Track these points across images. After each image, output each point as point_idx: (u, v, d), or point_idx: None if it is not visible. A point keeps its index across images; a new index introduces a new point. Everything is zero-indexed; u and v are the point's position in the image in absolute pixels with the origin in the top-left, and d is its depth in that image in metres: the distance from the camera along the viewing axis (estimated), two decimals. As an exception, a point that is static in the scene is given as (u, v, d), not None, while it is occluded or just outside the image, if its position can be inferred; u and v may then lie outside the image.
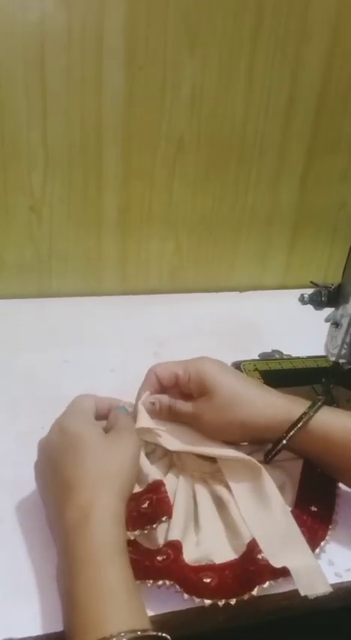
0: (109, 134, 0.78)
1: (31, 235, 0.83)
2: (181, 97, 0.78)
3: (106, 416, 0.52)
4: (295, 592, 0.44)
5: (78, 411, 0.49)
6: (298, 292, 0.65)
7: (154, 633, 0.36)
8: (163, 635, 0.36)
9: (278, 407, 0.50)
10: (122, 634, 0.34)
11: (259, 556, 0.43)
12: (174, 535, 0.45)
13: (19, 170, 0.78)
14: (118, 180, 0.82)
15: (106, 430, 0.49)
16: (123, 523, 0.42)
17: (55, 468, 0.45)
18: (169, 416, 0.53)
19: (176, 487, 0.49)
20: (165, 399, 0.53)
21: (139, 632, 0.35)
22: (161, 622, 0.41)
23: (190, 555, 0.44)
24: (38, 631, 0.41)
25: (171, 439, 0.52)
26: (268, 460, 0.52)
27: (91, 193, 0.82)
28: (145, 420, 0.51)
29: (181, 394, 0.54)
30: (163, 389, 0.54)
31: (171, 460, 0.53)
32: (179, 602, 0.42)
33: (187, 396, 0.54)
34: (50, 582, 0.42)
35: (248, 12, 0.75)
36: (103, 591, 0.37)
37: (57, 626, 0.40)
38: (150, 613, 0.42)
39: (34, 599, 0.43)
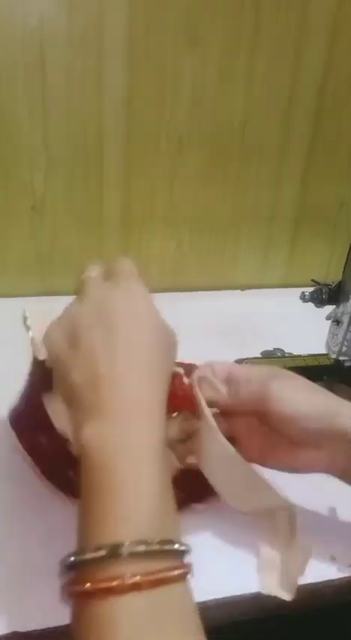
0: (110, 134, 0.78)
1: (33, 235, 0.83)
2: (181, 96, 0.79)
3: None
4: (300, 586, 0.44)
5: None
6: (299, 290, 0.65)
7: (181, 547, 0.31)
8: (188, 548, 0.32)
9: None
10: (144, 543, 0.30)
11: None
12: None
13: (20, 170, 0.78)
14: (119, 180, 0.82)
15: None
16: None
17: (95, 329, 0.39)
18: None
19: None
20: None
21: (165, 545, 0.31)
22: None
23: None
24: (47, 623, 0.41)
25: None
26: None
27: (93, 193, 0.82)
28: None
29: None
30: None
31: None
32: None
33: None
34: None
35: (248, 11, 0.75)
36: (129, 488, 0.33)
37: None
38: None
39: (40, 591, 0.44)
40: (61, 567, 0.32)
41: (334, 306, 0.63)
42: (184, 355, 0.71)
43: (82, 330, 0.39)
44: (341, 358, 0.63)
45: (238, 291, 0.95)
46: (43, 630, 0.41)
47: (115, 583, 0.29)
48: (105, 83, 0.75)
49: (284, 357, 0.76)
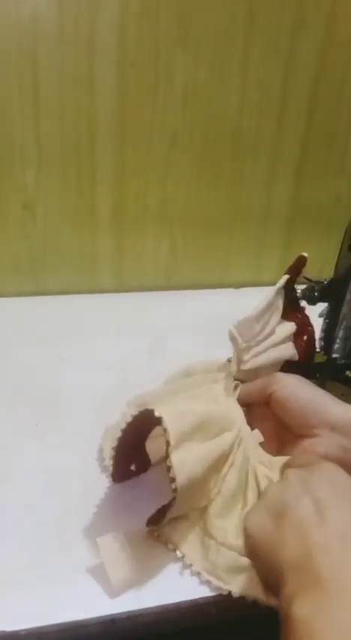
0: (103, 131, 0.78)
1: (25, 233, 0.83)
2: (174, 92, 0.78)
3: None
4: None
5: None
6: (293, 289, 0.65)
7: None
8: None
9: None
10: None
11: None
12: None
13: (12, 168, 0.78)
14: (112, 177, 0.82)
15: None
16: None
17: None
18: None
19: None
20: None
21: None
22: (155, 614, 0.41)
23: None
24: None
25: None
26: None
27: (85, 191, 0.82)
28: None
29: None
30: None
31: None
32: (174, 595, 0.42)
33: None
34: (47, 574, 0.43)
35: (241, 6, 0.75)
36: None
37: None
38: (146, 605, 0.42)
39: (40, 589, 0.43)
40: None
41: (327, 304, 0.63)
42: (178, 352, 0.71)
43: (289, 502, 0.39)
44: (334, 355, 0.63)
45: (232, 290, 0.95)
46: (29, 630, 0.40)
47: None
48: (97, 81, 0.75)
49: (277, 354, 0.76)
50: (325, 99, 0.85)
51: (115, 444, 0.47)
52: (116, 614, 0.42)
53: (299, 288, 0.63)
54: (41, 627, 0.41)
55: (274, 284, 0.97)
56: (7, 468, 0.54)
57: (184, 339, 0.78)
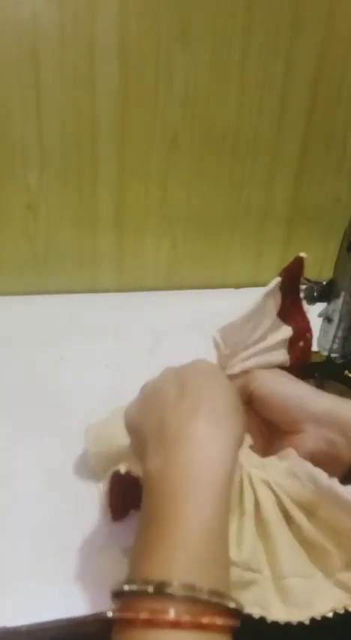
0: (104, 132, 0.79)
1: (27, 233, 0.83)
2: (174, 93, 0.79)
3: None
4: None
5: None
6: (292, 288, 0.65)
7: (229, 603, 0.30)
8: (238, 606, 0.31)
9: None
10: (192, 588, 0.30)
11: None
12: None
13: (14, 168, 0.78)
14: (112, 178, 0.82)
15: None
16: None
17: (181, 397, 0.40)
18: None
19: None
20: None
21: (214, 596, 0.30)
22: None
23: None
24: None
25: None
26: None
27: (87, 191, 0.82)
28: None
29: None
30: None
31: None
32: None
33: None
34: (47, 570, 0.43)
35: (240, 6, 0.75)
36: (182, 529, 0.32)
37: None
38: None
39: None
40: (112, 592, 0.33)
41: (326, 304, 0.63)
42: (179, 352, 0.71)
43: (158, 385, 0.43)
44: (332, 355, 0.63)
45: (232, 290, 0.95)
46: (30, 626, 0.41)
47: (157, 617, 0.29)
48: (98, 81, 0.76)
49: (277, 354, 0.76)
50: (324, 99, 0.85)
51: (106, 488, 0.46)
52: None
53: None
54: (42, 623, 0.41)
55: (273, 284, 0.97)
56: (7, 468, 0.55)
57: (185, 339, 0.78)
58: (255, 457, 0.47)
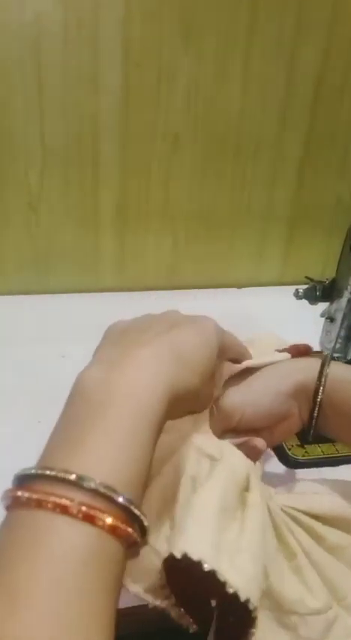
0: (106, 130, 0.79)
1: (29, 232, 0.83)
2: (177, 92, 0.79)
3: None
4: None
5: None
6: (295, 288, 0.65)
7: (134, 509, 0.30)
8: (137, 513, 0.30)
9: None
10: (91, 480, 0.29)
11: None
12: None
13: (16, 168, 0.78)
14: (115, 177, 0.82)
15: None
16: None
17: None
18: None
19: None
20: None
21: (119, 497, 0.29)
22: (159, 610, 0.42)
23: None
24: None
25: None
26: (306, 440, 0.49)
27: (89, 190, 0.82)
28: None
29: None
30: None
31: None
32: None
33: None
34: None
35: (243, 6, 0.75)
36: (103, 432, 0.32)
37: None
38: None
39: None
40: (20, 475, 0.32)
41: (328, 303, 0.63)
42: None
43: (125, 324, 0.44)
44: (335, 355, 0.63)
45: (234, 289, 0.95)
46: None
47: (59, 501, 0.28)
48: (101, 80, 0.76)
49: (279, 354, 0.76)
50: (327, 99, 0.85)
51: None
52: (119, 609, 0.42)
53: (301, 288, 0.64)
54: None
55: (275, 284, 0.98)
56: (8, 467, 0.54)
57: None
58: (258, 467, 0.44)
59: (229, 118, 0.83)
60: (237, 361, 0.50)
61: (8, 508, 0.30)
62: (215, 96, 0.81)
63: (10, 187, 0.80)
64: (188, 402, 0.40)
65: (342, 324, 0.61)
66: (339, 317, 0.61)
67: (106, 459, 0.31)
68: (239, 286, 0.96)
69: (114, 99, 0.77)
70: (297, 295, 0.64)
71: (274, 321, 0.84)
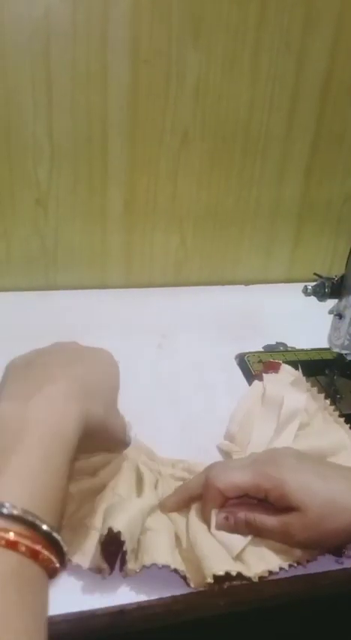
0: (114, 127, 0.79)
1: (37, 228, 0.84)
2: (185, 89, 0.78)
3: None
4: (298, 577, 0.44)
5: None
6: (302, 285, 0.65)
7: (53, 532, 0.32)
8: (54, 535, 0.32)
9: None
10: (24, 510, 0.31)
11: None
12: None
13: (25, 163, 0.78)
14: (122, 173, 0.82)
15: None
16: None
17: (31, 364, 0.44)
18: (248, 530, 0.44)
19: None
20: (241, 514, 0.45)
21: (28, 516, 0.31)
22: (164, 605, 0.42)
23: None
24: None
25: None
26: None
27: (97, 186, 0.82)
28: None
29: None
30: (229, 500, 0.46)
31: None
32: (183, 586, 0.43)
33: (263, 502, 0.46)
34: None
35: (252, 2, 0.75)
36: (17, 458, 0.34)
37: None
38: (149, 597, 0.42)
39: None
40: None
41: (337, 300, 0.63)
42: (188, 348, 0.71)
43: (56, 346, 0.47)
44: (343, 352, 0.63)
45: (242, 286, 0.95)
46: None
47: None
48: (109, 76, 0.75)
49: (287, 351, 0.76)
50: (336, 97, 0.85)
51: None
52: (125, 604, 0.42)
53: (310, 284, 0.63)
54: (50, 617, 0.41)
55: (283, 281, 0.97)
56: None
57: (194, 335, 0.78)
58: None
59: (238, 115, 0.82)
60: None
61: None
62: (224, 93, 0.80)
63: (19, 184, 0.80)
64: (99, 434, 0.43)
65: (350, 321, 0.61)
66: (348, 314, 0.61)
67: (25, 485, 0.33)
68: (247, 283, 0.95)
69: (122, 95, 0.77)
70: (305, 292, 0.63)
71: (282, 319, 0.84)
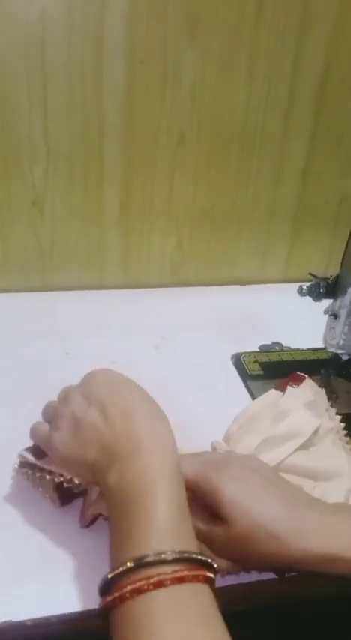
0: (110, 128, 0.79)
1: (33, 229, 0.83)
2: (181, 89, 0.78)
3: None
4: (295, 577, 0.44)
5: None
6: (299, 285, 0.65)
7: (198, 556, 0.35)
8: (208, 560, 0.36)
9: (312, 538, 0.40)
10: (164, 553, 0.34)
11: None
12: None
13: (20, 164, 0.78)
14: (119, 174, 0.82)
15: None
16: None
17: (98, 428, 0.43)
18: None
19: None
20: None
21: (184, 554, 0.35)
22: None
23: None
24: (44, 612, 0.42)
25: None
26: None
27: (93, 187, 0.82)
28: None
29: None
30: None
31: None
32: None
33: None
34: (53, 565, 0.43)
35: (249, 2, 0.75)
36: (147, 514, 0.37)
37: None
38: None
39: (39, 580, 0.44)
40: (100, 587, 0.36)
41: (332, 300, 0.63)
42: (185, 349, 0.71)
43: (79, 416, 0.45)
44: (339, 352, 0.63)
45: (238, 287, 0.95)
46: (35, 620, 0.41)
47: (140, 584, 0.34)
48: (105, 77, 0.75)
49: (282, 351, 0.76)
50: (333, 97, 0.85)
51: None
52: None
53: (305, 284, 0.64)
54: (47, 617, 0.41)
55: (279, 281, 0.97)
56: (12, 463, 0.55)
57: (190, 335, 0.78)
58: None
59: (234, 115, 0.82)
60: None
61: (113, 610, 0.35)
62: (220, 93, 0.80)
63: (15, 184, 0.80)
64: None
65: (346, 320, 0.61)
66: (343, 314, 0.61)
67: (167, 534, 0.36)
68: (243, 283, 0.95)
69: (118, 96, 0.77)
70: (301, 292, 0.63)
71: (278, 318, 0.84)
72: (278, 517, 0.41)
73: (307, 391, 0.59)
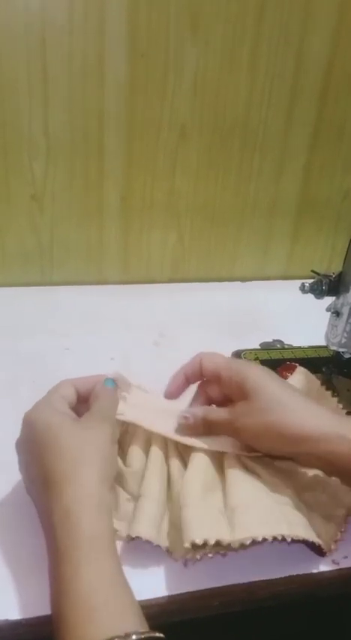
0: (111, 122, 0.78)
1: (33, 224, 0.83)
2: (183, 83, 0.78)
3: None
4: (293, 577, 0.44)
5: (46, 402, 0.49)
6: (300, 282, 0.65)
7: (145, 635, 0.34)
8: (156, 635, 0.34)
9: (324, 418, 0.46)
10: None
11: None
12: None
13: (20, 159, 0.78)
14: (119, 169, 0.81)
15: (88, 409, 0.49)
16: (109, 511, 0.41)
17: (32, 465, 0.45)
18: (204, 430, 0.50)
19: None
20: (199, 411, 0.51)
21: (120, 636, 0.33)
22: (157, 606, 0.41)
23: None
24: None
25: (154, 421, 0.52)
26: None
27: (93, 182, 0.82)
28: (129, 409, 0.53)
29: (220, 394, 0.53)
30: (202, 378, 0.54)
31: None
32: (177, 587, 0.42)
33: (224, 399, 0.52)
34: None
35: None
36: (80, 595, 0.36)
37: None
38: (145, 597, 0.42)
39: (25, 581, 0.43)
40: None
41: (334, 298, 0.63)
42: (184, 345, 0.70)
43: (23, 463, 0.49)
44: (341, 350, 0.63)
45: (239, 283, 0.94)
46: (30, 619, 0.41)
47: None
48: (106, 70, 0.75)
49: (283, 348, 0.75)
50: (336, 92, 0.84)
51: None
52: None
53: (307, 282, 0.63)
54: (42, 617, 0.41)
55: (281, 278, 0.97)
56: (10, 460, 0.54)
57: (190, 332, 0.78)
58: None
59: (236, 109, 0.82)
60: None
61: None
62: (222, 87, 0.80)
63: (14, 179, 0.79)
64: None
65: (348, 318, 0.60)
66: (345, 311, 0.60)
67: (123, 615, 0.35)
68: (244, 280, 0.95)
69: (119, 89, 0.76)
70: (303, 289, 0.63)
71: (279, 316, 0.83)
72: (294, 398, 0.47)
73: (301, 379, 0.61)
